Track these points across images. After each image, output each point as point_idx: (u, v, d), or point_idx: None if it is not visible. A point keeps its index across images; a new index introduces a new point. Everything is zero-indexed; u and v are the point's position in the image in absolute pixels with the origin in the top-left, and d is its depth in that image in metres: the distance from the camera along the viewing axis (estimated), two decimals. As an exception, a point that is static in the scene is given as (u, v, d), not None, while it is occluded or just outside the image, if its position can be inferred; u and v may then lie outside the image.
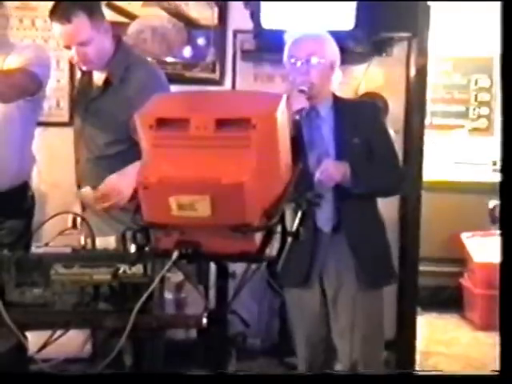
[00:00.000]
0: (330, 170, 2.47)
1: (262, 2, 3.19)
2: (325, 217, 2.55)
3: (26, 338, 1.80)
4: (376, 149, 2.60)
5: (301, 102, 2.47)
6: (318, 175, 2.45)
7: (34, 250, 1.87)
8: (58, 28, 2.64)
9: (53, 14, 2.64)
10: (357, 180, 2.49)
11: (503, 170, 1.85)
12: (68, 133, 3.10)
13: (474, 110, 5.89)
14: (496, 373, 1.67)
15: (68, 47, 2.68)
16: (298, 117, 2.46)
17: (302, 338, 2.70)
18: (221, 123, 1.46)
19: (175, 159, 1.46)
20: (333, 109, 2.62)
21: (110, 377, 1.60)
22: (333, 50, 2.60)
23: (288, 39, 2.61)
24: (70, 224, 2.33)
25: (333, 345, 2.66)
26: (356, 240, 2.58)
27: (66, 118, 3.60)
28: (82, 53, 2.65)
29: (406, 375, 1.79)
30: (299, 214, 1.63)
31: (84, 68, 2.78)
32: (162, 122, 1.48)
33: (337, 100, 2.66)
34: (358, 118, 2.62)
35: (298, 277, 2.57)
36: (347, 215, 2.57)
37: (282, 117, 1.52)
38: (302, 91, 2.49)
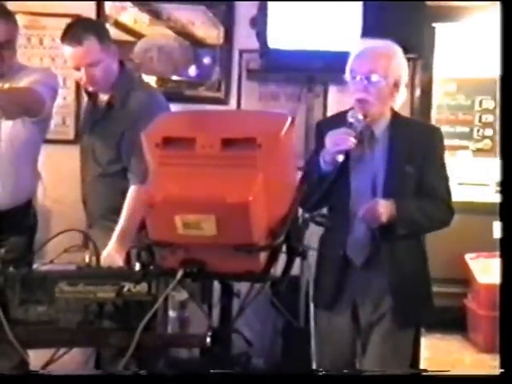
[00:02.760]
0: (376, 211, 2.31)
1: (269, 22, 3.20)
2: (356, 250, 2.40)
3: (27, 356, 1.80)
4: (428, 181, 2.41)
5: (346, 142, 2.27)
6: (362, 213, 2.31)
7: (38, 267, 1.87)
8: (68, 50, 2.73)
9: (65, 36, 2.75)
10: (402, 221, 2.34)
11: (503, 192, 1.85)
12: (73, 150, 3.13)
13: (478, 131, 5.90)
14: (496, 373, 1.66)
15: (77, 68, 2.76)
16: (340, 158, 2.27)
17: (325, 362, 2.52)
18: (226, 142, 1.46)
19: (181, 178, 1.47)
20: (389, 129, 2.43)
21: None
22: (399, 67, 2.40)
23: (353, 51, 2.43)
24: (81, 241, 2.35)
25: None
26: (395, 279, 2.41)
27: (71, 135, 3.62)
28: (91, 74, 2.73)
29: (406, 375, 1.78)
30: (297, 231, 1.63)
31: (90, 89, 2.85)
32: (168, 141, 1.49)
33: (395, 119, 2.46)
34: (414, 143, 2.42)
35: (325, 299, 2.47)
36: (384, 251, 2.40)
37: (288, 136, 1.53)
38: (351, 125, 2.30)
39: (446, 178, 2.51)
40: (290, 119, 1.53)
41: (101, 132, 2.83)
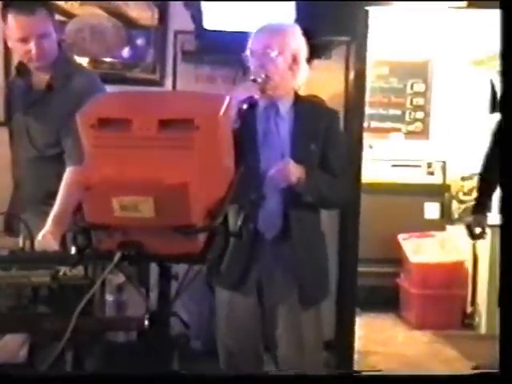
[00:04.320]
0: (287, 170, 2.37)
1: (203, 3, 3.18)
2: (268, 222, 2.45)
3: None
4: (330, 158, 2.52)
5: (250, 91, 2.34)
6: (272, 172, 2.35)
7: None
8: (18, 19, 2.62)
9: (12, 4, 2.64)
10: (310, 186, 2.42)
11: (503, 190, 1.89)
12: (3, 132, 3.03)
13: (410, 113, 6.02)
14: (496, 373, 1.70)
15: (26, 40, 2.64)
16: (244, 106, 2.32)
17: (227, 341, 2.58)
18: (164, 124, 1.44)
19: (118, 160, 1.45)
20: (293, 108, 2.51)
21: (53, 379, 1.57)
22: (296, 43, 2.47)
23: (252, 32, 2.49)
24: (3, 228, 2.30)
25: (260, 351, 2.61)
26: (300, 252, 2.49)
27: (0, 117, 3.51)
28: (40, 46, 2.64)
29: (404, 375, 1.82)
30: (242, 215, 1.63)
31: (36, 64, 2.73)
32: (103, 122, 1.46)
33: (298, 99, 2.55)
34: (317, 123, 2.52)
35: (231, 279, 2.47)
36: (293, 223, 2.47)
37: (226, 118, 1.53)
38: (254, 80, 2.37)
39: (345, 158, 2.67)
40: (227, 100, 1.53)
41: (38, 114, 2.74)
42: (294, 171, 2.38)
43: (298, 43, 2.48)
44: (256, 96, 2.36)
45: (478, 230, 3.60)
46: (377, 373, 2.16)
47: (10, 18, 2.63)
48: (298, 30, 2.51)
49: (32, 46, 2.63)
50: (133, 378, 1.57)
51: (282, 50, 2.43)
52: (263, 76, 2.38)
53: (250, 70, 2.46)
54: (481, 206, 3.61)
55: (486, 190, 3.56)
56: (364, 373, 3.01)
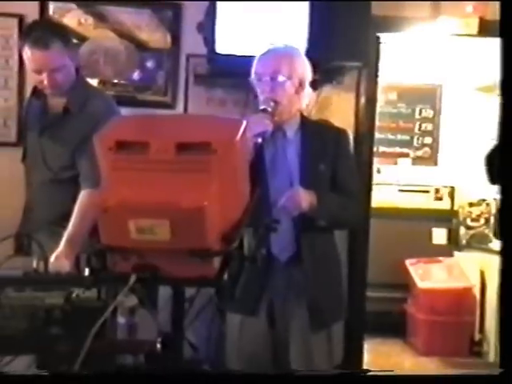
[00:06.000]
0: (297, 198, 2.36)
1: (217, 27, 3.20)
2: (282, 245, 2.44)
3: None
4: (341, 176, 2.52)
5: (263, 125, 2.34)
6: (283, 201, 2.34)
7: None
8: (33, 53, 2.66)
9: (28, 38, 2.68)
10: (322, 211, 2.41)
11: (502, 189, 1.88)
12: (15, 153, 3.05)
13: (418, 139, 6.03)
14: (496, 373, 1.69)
15: (39, 72, 2.69)
16: (259, 140, 2.31)
17: (237, 365, 2.56)
18: (181, 147, 1.45)
19: (135, 182, 1.45)
20: (300, 130, 2.53)
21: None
22: (302, 67, 2.50)
23: (257, 55, 2.51)
24: (14, 249, 2.30)
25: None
26: (312, 275, 2.47)
27: (13, 138, 3.53)
28: (53, 78, 2.68)
29: (404, 375, 1.81)
30: (257, 239, 1.63)
31: (49, 92, 2.78)
32: (121, 145, 1.46)
33: (305, 121, 2.56)
34: (325, 143, 2.52)
35: (242, 302, 2.41)
36: (306, 247, 2.47)
37: (243, 142, 1.53)
38: (264, 110, 2.38)
39: (356, 177, 2.66)
40: (244, 124, 1.53)
41: (54, 137, 2.77)
42: (305, 198, 2.37)
43: (304, 67, 2.51)
44: (269, 129, 2.36)
45: None
46: (377, 373, 2.15)
47: (26, 49, 2.68)
48: (302, 54, 2.55)
49: (44, 77, 2.68)
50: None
51: (290, 75, 2.45)
52: (272, 104, 2.40)
53: (259, 97, 2.48)
54: None
55: None
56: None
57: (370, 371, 2.48)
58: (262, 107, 2.40)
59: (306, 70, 2.51)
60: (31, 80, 2.94)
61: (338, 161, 2.53)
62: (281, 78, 2.43)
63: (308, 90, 2.53)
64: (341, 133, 2.66)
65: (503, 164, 1.85)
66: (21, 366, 1.91)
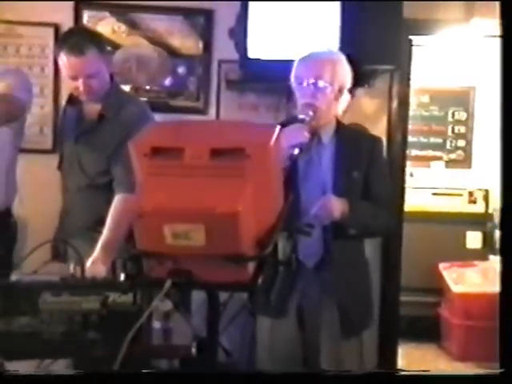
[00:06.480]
0: (329, 206, 2.34)
1: (248, 32, 3.21)
2: (310, 251, 2.43)
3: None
4: (374, 185, 2.49)
5: (300, 136, 2.30)
6: (315, 209, 2.32)
7: (21, 278, 1.85)
8: (69, 59, 2.69)
9: (64, 45, 2.71)
10: (353, 219, 2.39)
11: (503, 196, 1.87)
12: (51, 160, 3.10)
13: (451, 142, 5.98)
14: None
15: (75, 78, 2.72)
16: (296, 151, 2.27)
17: (268, 369, 2.53)
18: (215, 153, 1.46)
19: (170, 188, 1.46)
20: (335, 136, 2.51)
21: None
22: (344, 73, 2.47)
23: (298, 57, 2.49)
24: (51, 254, 2.33)
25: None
26: (340, 281, 2.46)
27: (49, 145, 3.59)
28: (88, 85, 2.72)
29: (401, 375, 1.80)
30: (291, 244, 1.64)
31: (84, 98, 2.81)
32: (156, 151, 1.48)
33: (340, 127, 2.54)
34: (360, 150, 2.50)
35: (272, 308, 2.44)
36: (334, 252, 2.45)
37: (276, 147, 1.53)
38: (302, 121, 2.35)
39: (389, 185, 2.63)
40: (278, 130, 1.54)
41: (90, 143, 2.80)
42: (337, 206, 2.36)
43: (345, 73, 2.48)
44: (306, 140, 2.32)
45: None
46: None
47: (63, 56, 2.71)
48: (344, 59, 2.51)
49: (80, 83, 2.71)
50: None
51: (332, 81, 2.42)
52: (311, 114, 2.37)
53: (298, 102, 2.46)
54: None
55: None
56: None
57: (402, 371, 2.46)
58: (300, 117, 2.36)
59: (346, 75, 2.49)
60: (67, 88, 2.98)
61: (371, 168, 2.50)
62: (322, 84, 2.40)
63: (346, 95, 2.51)
64: (375, 140, 2.64)
65: (504, 163, 1.84)
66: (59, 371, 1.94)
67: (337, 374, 2.13)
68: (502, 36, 1.94)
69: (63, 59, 2.71)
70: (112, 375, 1.54)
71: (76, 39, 2.70)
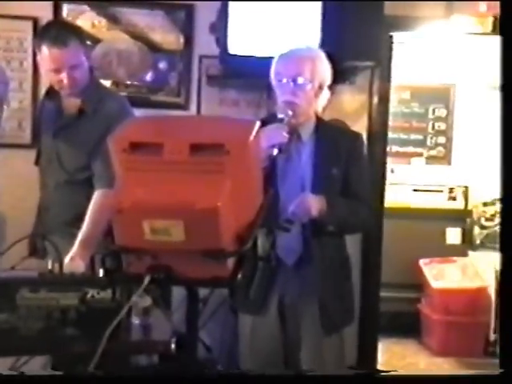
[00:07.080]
0: (307, 204, 2.34)
1: (229, 28, 3.20)
2: (289, 248, 2.42)
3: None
4: (353, 181, 2.50)
5: (280, 136, 2.30)
6: (293, 207, 2.31)
7: (-2, 273, 1.83)
8: (51, 51, 2.66)
9: (46, 36, 2.68)
10: (332, 216, 2.39)
11: (504, 188, 1.88)
12: (29, 154, 3.07)
13: (432, 138, 6.01)
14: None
15: (58, 71, 2.69)
16: (275, 151, 2.28)
17: (249, 366, 2.56)
18: (195, 148, 1.45)
19: (149, 183, 1.45)
20: (315, 133, 2.50)
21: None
22: (323, 70, 2.47)
23: (277, 54, 2.49)
24: (28, 250, 2.31)
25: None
26: (321, 277, 2.47)
27: (27, 139, 3.56)
28: (72, 77, 2.69)
29: (401, 375, 1.81)
30: (270, 240, 1.63)
31: (68, 92, 2.78)
32: (135, 146, 1.47)
33: (320, 123, 2.53)
34: (339, 146, 2.50)
35: (253, 303, 2.45)
36: (314, 249, 2.45)
37: (256, 143, 1.53)
38: (281, 120, 2.35)
39: (369, 181, 2.64)
40: (257, 125, 1.53)
41: (69, 138, 2.78)
42: (314, 204, 2.36)
43: (325, 70, 2.49)
44: (285, 140, 2.32)
45: None
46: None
47: (44, 48, 2.67)
48: (324, 56, 2.51)
49: (64, 76, 2.69)
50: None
51: (312, 78, 2.42)
52: (290, 113, 2.37)
53: (278, 100, 2.45)
54: None
55: None
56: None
57: (384, 372, 2.47)
58: (279, 116, 2.36)
59: (326, 72, 2.49)
60: (46, 81, 2.95)
61: (351, 165, 2.50)
62: (302, 81, 2.40)
63: (326, 92, 2.51)
64: (355, 136, 2.65)
65: (504, 163, 1.85)
66: (36, 367, 1.93)
67: (318, 375, 2.14)
68: (502, 36, 1.95)
69: (44, 52, 2.67)
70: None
71: (57, 31, 2.68)
